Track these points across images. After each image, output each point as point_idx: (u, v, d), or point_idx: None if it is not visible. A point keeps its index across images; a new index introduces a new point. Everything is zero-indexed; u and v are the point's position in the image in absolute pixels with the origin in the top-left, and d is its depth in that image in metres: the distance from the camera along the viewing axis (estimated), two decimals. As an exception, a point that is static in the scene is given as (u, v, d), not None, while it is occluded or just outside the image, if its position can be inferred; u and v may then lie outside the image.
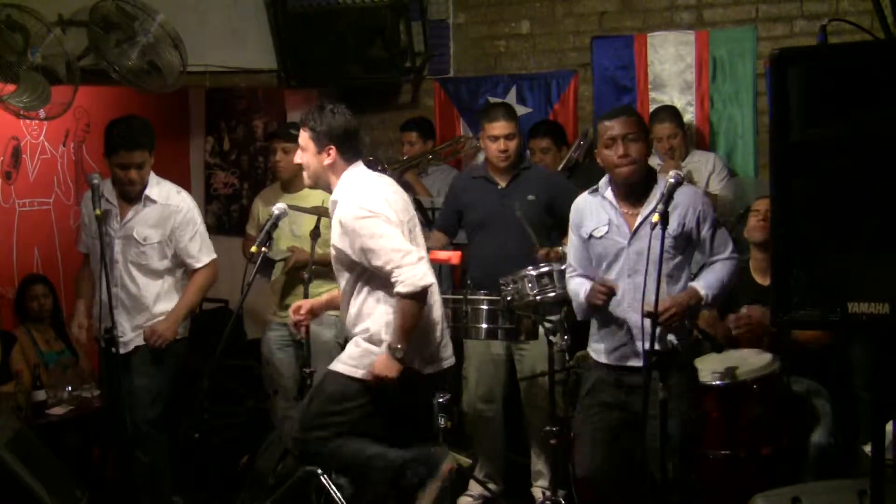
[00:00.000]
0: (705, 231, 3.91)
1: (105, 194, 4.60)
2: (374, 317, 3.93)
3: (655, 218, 3.63)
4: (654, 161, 5.58)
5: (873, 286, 2.34)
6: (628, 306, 3.92)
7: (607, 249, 3.96)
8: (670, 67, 5.96)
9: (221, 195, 7.54)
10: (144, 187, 4.63)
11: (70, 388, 5.08)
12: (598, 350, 4.03)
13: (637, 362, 3.88)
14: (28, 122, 5.87)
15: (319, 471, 4.44)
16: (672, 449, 3.78)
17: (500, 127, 4.85)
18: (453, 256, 4.73)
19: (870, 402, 4.19)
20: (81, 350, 5.53)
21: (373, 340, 3.93)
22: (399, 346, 3.80)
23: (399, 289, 3.78)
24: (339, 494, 4.39)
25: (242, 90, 7.19)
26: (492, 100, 6.37)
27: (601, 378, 4.02)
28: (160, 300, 4.68)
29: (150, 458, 4.66)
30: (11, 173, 6.03)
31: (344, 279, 3.98)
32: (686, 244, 3.90)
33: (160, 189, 4.69)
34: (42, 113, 4.92)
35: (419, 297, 3.81)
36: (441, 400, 4.53)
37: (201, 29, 5.71)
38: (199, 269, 4.75)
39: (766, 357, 4.28)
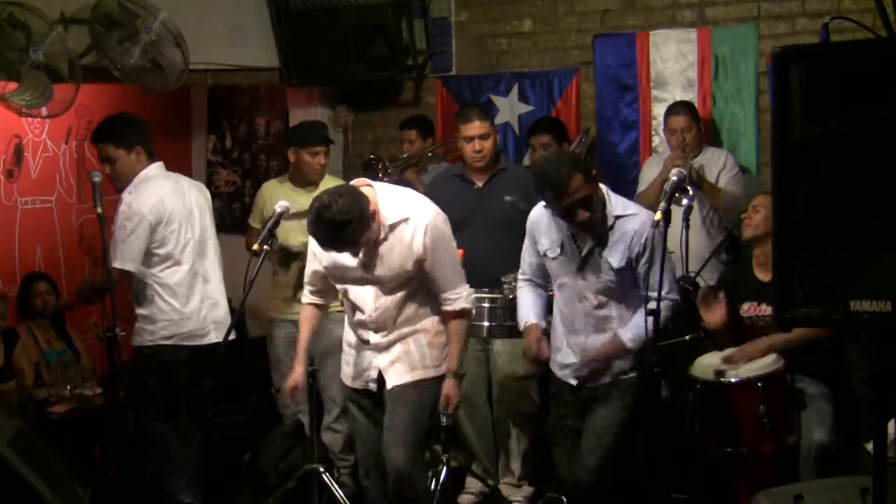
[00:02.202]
0: (642, 264, 3.92)
1: None
2: (430, 316, 4.03)
3: (658, 216, 3.65)
4: (660, 160, 5.58)
5: (875, 284, 2.33)
6: (578, 330, 4.03)
7: (559, 270, 4.05)
8: (672, 65, 5.96)
9: (223, 193, 7.54)
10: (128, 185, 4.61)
11: (71, 387, 5.08)
12: (551, 362, 4.19)
13: (581, 382, 4.07)
14: (30, 119, 5.88)
15: (322, 468, 4.45)
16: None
17: (474, 127, 4.89)
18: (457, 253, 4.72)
19: (870, 400, 4.19)
20: (83, 348, 5.53)
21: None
22: (459, 365, 4.04)
23: (463, 305, 3.99)
24: (340, 493, 4.40)
25: (244, 88, 7.20)
26: (494, 98, 6.39)
27: (563, 385, 4.15)
28: (137, 301, 4.66)
29: (158, 457, 4.68)
30: (14, 171, 6.03)
31: (400, 294, 3.96)
32: (632, 274, 3.96)
33: (134, 187, 4.60)
34: (44, 111, 4.92)
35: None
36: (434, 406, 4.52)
37: (203, 27, 5.71)
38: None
39: (770, 355, 4.28)
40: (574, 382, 4.08)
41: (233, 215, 7.47)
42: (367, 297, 3.97)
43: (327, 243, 3.72)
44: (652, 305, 3.75)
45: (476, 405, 5.06)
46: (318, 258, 4.05)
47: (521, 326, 4.19)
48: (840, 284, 2.38)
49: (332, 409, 5.21)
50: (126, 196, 4.57)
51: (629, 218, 3.93)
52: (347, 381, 4.15)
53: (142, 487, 4.68)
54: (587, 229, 3.90)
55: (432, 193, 5.16)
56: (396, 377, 3.99)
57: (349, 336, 4.14)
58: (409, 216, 3.88)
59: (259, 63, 6.26)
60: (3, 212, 5.98)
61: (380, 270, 3.89)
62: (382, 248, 3.87)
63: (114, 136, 4.57)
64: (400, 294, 3.95)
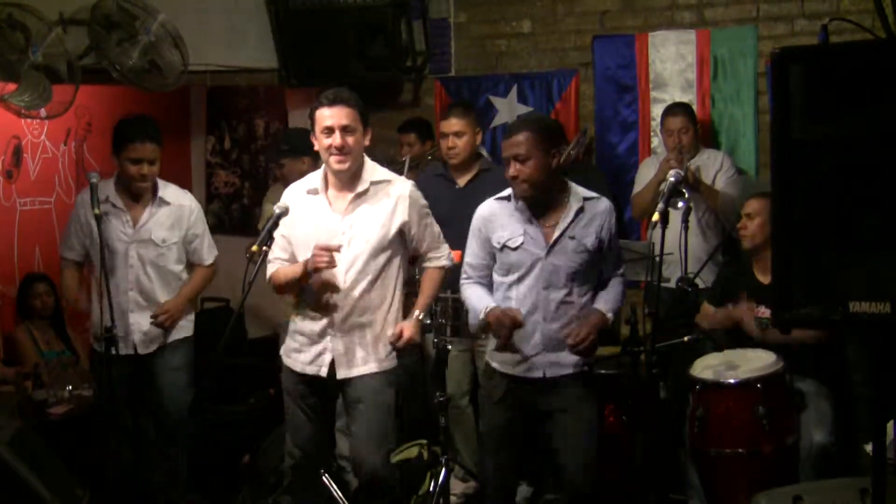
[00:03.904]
0: (611, 245, 3.97)
1: (109, 198, 4.60)
2: (383, 309, 4.03)
3: (655, 217, 3.65)
4: (657, 161, 5.59)
5: (874, 285, 2.33)
6: (542, 318, 3.92)
7: (522, 260, 3.94)
8: (671, 66, 5.96)
9: (222, 194, 7.54)
10: (156, 187, 4.65)
11: (70, 388, 5.08)
12: (502, 361, 4.02)
13: (542, 373, 3.94)
14: (29, 120, 5.88)
15: (321, 469, 4.45)
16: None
17: (449, 124, 4.98)
18: (455, 255, 4.73)
19: (869, 400, 4.20)
20: (81, 349, 5.53)
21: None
22: (425, 314, 4.00)
23: (444, 262, 4.14)
24: (339, 493, 4.40)
25: (243, 89, 7.20)
26: (493, 98, 6.39)
27: (510, 388, 4.01)
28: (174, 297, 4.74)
29: (178, 456, 4.72)
30: (13, 172, 6.04)
31: (374, 265, 3.95)
32: (599, 257, 3.96)
33: (170, 191, 4.73)
34: (43, 112, 4.93)
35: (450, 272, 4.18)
36: (441, 399, 4.54)
37: (202, 28, 5.72)
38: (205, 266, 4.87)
39: (770, 356, 4.28)
40: (539, 374, 3.94)
41: (231, 216, 7.47)
42: (338, 270, 3.92)
43: (337, 94, 3.89)
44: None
45: (460, 406, 5.07)
46: (291, 226, 4.02)
47: (481, 315, 3.98)
48: (839, 285, 2.38)
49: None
50: (184, 198, 4.78)
51: (595, 201, 3.96)
52: (297, 367, 4.07)
53: (172, 485, 4.74)
54: (516, 191, 3.90)
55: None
56: (351, 367, 3.99)
57: (303, 322, 4.07)
58: (392, 180, 4.04)
59: (258, 64, 6.26)
60: (2, 212, 5.98)
61: (361, 230, 3.92)
62: (366, 205, 3.95)
63: (160, 139, 4.64)
64: (371, 271, 3.94)
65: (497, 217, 4.00)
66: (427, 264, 4.17)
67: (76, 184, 6.40)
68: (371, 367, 4.00)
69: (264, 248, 3.94)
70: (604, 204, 3.97)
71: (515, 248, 3.93)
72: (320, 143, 3.90)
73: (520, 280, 3.95)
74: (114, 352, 4.35)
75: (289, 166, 5.28)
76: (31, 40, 4.66)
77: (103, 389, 4.64)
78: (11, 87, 4.70)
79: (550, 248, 3.89)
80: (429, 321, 4.09)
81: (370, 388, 3.99)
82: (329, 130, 3.86)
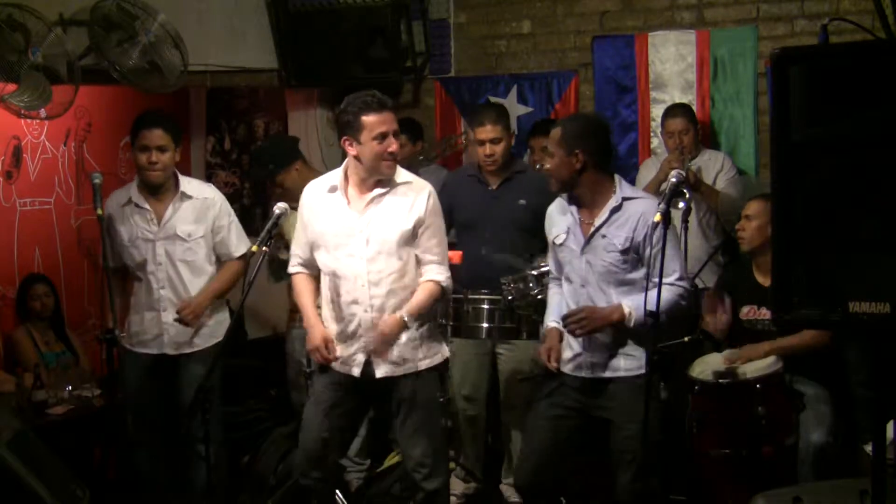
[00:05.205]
0: (651, 249, 3.81)
1: (132, 199, 4.63)
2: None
3: (657, 218, 3.64)
4: (657, 162, 5.59)
5: (874, 286, 2.33)
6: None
7: (566, 257, 4.01)
8: (671, 67, 5.97)
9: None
10: (177, 182, 4.65)
11: (70, 388, 5.07)
12: (563, 361, 4.05)
13: (588, 373, 3.97)
14: (29, 121, 5.86)
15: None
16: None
17: (486, 131, 4.81)
18: (454, 256, 4.73)
19: (868, 401, 4.19)
20: (81, 350, 5.53)
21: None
22: (412, 319, 3.93)
23: (435, 277, 3.99)
24: (339, 495, 4.40)
25: (243, 90, 7.19)
26: (493, 99, 6.39)
27: (561, 383, 4.04)
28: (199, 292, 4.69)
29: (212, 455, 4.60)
30: (12, 173, 6.02)
31: (395, 262, 3.94)
32: (638, 259, 3.88)
33: (191, 185, 4.72)
34: (43, 112, 4.93)
35: (445, 294, 4.08)
36: (441, 400, 4.54)
37: (202, 29, 5.72)
38: (235, 259, 4.77)
39: (769, 357, 4.28)
40: (583, 374, 3.97)
41: (231, 217, 7.45)
42: (359, 268, 3.94)
43: (382, 100, 3.90)
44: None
45: (477, 408, 5.06)
46: (310, 223, 4.05)
47: (543, 330, 4.15)
48: (839, 286, 2.38)
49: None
50: (207, 190, 4.76)
51: (637, 200, 3.91)
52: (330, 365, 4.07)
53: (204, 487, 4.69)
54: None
55: (448, 191, 5.13)
56: (389, 368, 3.97)
57: (332, 323, 4.05)
58: (412, 181, 4.01)
59: (258, 65, 6.27)
60: (2, 213, 5.96)
61: (379, 228, 3.92)
62: (384, 204, 3.94)
63: (172, 128, 4.62)
64: (393, 268, 3.93)
65: (554, 215, 4.09)
66: (424, 277, 4.02)
67: (76, 185, 6.39)
68: (410, 367, 3.99)
69: (264, 248, 3.95)
70: (644, 205, 3.89)
71: (561, 245, 4.02)
72: (370, 148, 3.85)
73: (568, 277, 4.02)
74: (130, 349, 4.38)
75: (285, 180, 5.10)
76: (30, 41, 4.65)
77: (127, 389, 4.66)
78: (11, 87, 4.70)
79: (584, 246, 3.93)
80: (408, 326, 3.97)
81: (415, 387, 4.00)
82: (383, 136, 3.85)
